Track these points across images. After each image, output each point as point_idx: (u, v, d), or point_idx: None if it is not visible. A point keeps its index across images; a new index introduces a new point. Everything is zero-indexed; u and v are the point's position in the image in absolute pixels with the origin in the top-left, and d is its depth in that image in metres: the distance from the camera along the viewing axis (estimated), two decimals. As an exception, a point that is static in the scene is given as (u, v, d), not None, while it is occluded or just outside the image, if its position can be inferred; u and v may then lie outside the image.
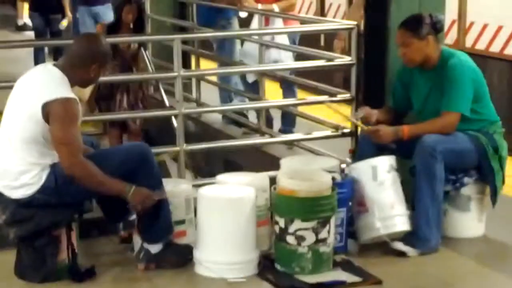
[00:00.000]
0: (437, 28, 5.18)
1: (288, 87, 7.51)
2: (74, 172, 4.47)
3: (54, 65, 4.66)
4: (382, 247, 4.98)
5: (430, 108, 5.20)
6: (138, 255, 4.83)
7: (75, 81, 4.63)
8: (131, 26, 7.49)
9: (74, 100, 4.51)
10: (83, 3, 10.78)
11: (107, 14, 10.35)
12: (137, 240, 4.88)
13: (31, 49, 11.17)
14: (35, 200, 4.54)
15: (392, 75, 5.58)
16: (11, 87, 4.74)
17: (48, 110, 4.43)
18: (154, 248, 4.78)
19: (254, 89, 7.42)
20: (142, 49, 7.71)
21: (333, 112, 5.68)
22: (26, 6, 14.55)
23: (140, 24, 7.67)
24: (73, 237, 4.73)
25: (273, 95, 7.75)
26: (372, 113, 5.31)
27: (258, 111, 7.29)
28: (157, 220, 4.74)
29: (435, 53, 5.18)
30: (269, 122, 7.44)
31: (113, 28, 7.45)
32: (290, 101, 7.33)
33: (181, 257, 4.82)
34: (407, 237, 4.99)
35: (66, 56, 4.81)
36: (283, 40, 7.23)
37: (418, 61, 5.19)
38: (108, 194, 4.63)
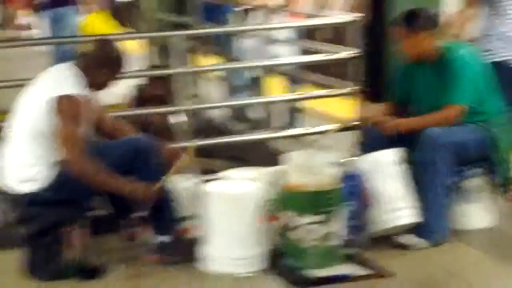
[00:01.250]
0: (433, 22, 5.22)
1: (292, 82, 7.53)
2: (76, 170, 4.51)
3: (74, 64, 4.71)
4: (391, 239, 5.02)
5: (432, 101, 5.21)
6: (146, 247, 4.87)
7: (88, 83, 4.67)
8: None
9: (80, 97, 4.55)
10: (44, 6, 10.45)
11: (71, 17, 10.05)
12: (145, 233, 4.92)
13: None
14: (42, 196, 4.58)
15: (391, 70, 5.62)
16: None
17: (54, 105, 4.48)
18: (162, 240, 4.82)
19: (256, 85, 7.45)
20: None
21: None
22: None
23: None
24: (81, 234, 4.76)
25: (276, 90, 7.76)
26: (378, 108, 5.34)
27: (262, 106, 7.31)
28: (165, 213, 4.80)
29: (432, 47, 5.21)
30: (273, 117, 7.47)
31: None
32: (293, 95, 7.36)
33: (188, 251, 4.85)
34: (415, 230, 5.02)
35: (84, 57, 4.84)
36: (286, 34, 7.24)
37: (415, 55, 5.22)
38: (110, 192, 4.68)
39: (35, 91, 4.67)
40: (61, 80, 4.61)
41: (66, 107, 4.50)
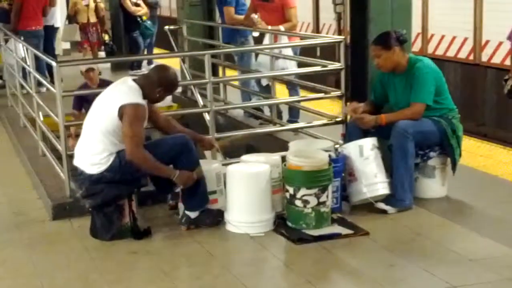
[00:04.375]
0: (401, 40, 5.14)
1: (293, 88, 7.49)
2: (134, 159, 4.50)
3: (133, 80, 4.67)
4: (368, 207, 4.97)
5: (403, 101, 5.16)
6: (181, 219, 4.84)
7: (145, 97, 4.63)
8: None
9: (143, 106, 4.53)
10: None
11: None
12: (181, 208, 4.88)
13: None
14: (104, 177, 4.58)
15: (372, 77, 5.54)
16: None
17: (122, 111, 4.46)
18: (193, 214, 4.78)
19: (267, 91, 7.40)
20: None
21: None
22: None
23: None
24: (133, 205, 4.75)
25: (282, 94, 7.72)
26: (359, 106, 5.28)
27: (270, 106, 7.26)
28: (196, 193, 4.75)
29: (402, 59, 5.15)
30: (279, 115, 7.41)
31: None
32: (294, 98, 7.32)
33: (214, 219, 4.82)
34: (387, 199, 4.98)
35: (144, 76, 4.80)
36: (288, 52, 7.18)
37: (389, 67, 5.17)
38: (159, 176, 4.65)
39: (107, 99, 4.66)
40: (127, 91, 4.57)
41: (132, 112, 4.47)
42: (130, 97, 4.52)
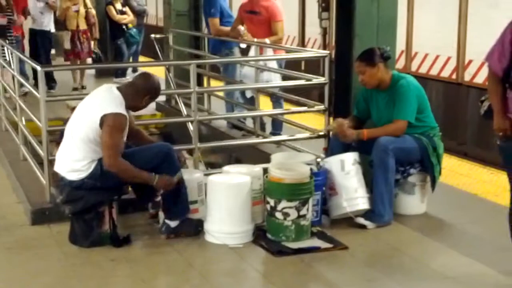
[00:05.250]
0: (385, 57, 5.17)
1: (276, 100, 7.51)
2: (112, 169, 4.50)
3: (118, 88, 4.66)
4: (348, 221, 4.98)
5: (385, 117, 5.19)
6: (161, 228, 4.83)
7: (128, 105, 4.62)
8: None
9: (124, 116, 4.52)
10: None
11: None
12: (161, 216, 4.88)
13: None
14: (84, 183, 4.56)
15: (355, 93, 5.57)
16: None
17: (103, 120, 4.45)
18: (173, 223, 4.77)
19: (251, 102, 7.42)
20: None
21: None
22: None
23: None
24: (113, 212, 4.74)
25: (266, 106, 7.74)
26: (344, 121, 5.29)
27: (254, 118, 7.28)
28: (177, 202, 4.74)
29: (386, 76, 5.18)
30: (262, 126, 7.43)
31: None
32: (278, 111, 7.34)
33: (194, 229, 4.82)
34: (367, 214, 4.99)
35: (128, 84, 4.79)
36: (273, 65, 7.21)
37: (373, 84, 5.20)
38: (139, 182, 4.64)
39: (89, 106, 4.64)
40: (110, 100, 4.56)
41: (112, 122, 4.46)
42: (112, 107, 4.50)
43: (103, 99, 4.60)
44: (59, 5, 11.42)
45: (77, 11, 11.22)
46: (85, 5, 11.40)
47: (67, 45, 11.23)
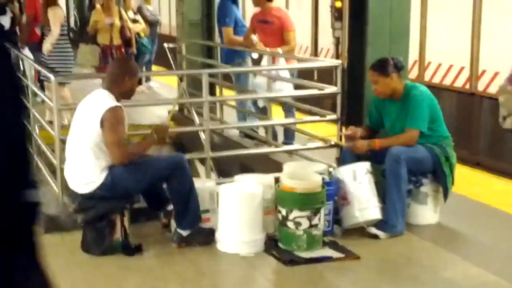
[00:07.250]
0: (398, 67, 5.18)
1: (289, 110, 7.52)
2: (124, 162, 4.52)
3: (103, 88, 4.68)
4: (360, 231, 4.97)
5: (398, 127, 5.19)
6: (173, 237, 4.83)
7: (118, 95, 4.64)
8: None
9: (119, 107, 4.54)
10: None
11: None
12: (173, 225, 4.89)
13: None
14: (96, 194, 4.57)
15: (368, 102, 5.58)
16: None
17: (102, 119, 4.47)
18: (185, 232, 4.77)
19: (263, 112, 7.43)
20: None
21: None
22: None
23: None
24: (125, 221, 4.75)
25: (278, 116, 7.75)
26: (357, 130, 5.30)
27: (266, 127, 7.29)
28: (188, 213, 4.75)
29: (399, 86, 5.18)
30: (274, 136, 7.44)
31: None
32: (290, 120, 7.35)
33: (206, 238, 4.82)
34: (379, 224, 4.98)
35: (106, 78, 4.79)
36: (286, 74, 7.22)
37: (387, 94, 5.20)
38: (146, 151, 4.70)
39: (85, 115, 4.64)
40: (101, 99, 4.59)
41: (111, 116, 4.49)
42: (105, 103, 4.52)
43: (95, 102, 4.61)
44: (91, 19, 10.15)
45: (111, 24, 9.97)
46: (121, 18, 10.18)
47: (95, 61, 9.95)
